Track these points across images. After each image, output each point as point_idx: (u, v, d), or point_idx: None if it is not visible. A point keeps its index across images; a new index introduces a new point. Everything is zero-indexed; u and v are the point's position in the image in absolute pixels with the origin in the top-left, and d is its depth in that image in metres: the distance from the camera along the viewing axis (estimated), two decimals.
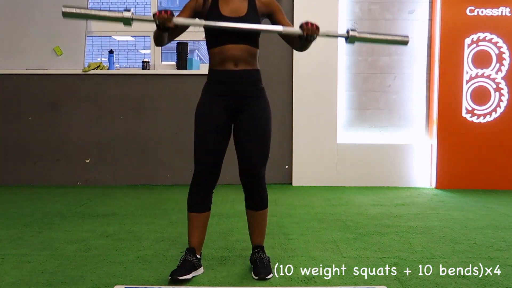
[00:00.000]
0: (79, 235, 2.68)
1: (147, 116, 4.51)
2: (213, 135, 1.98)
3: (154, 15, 1.79)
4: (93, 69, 4.49)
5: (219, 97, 1.99)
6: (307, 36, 1.88)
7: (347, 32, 1.92)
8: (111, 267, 2.11)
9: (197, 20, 1.87)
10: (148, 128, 4.52)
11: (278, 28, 1.96)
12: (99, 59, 11.17)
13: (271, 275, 1.99)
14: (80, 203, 3.62)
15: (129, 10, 1.78)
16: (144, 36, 4.98)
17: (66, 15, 1.77)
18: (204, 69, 4.46)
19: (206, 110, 2.00)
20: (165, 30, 1.83)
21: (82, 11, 1.79)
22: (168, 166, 4.51)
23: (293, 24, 4.33)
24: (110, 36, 5.33)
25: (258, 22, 1.98)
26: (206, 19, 1.94)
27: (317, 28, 1.89)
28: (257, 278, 1.96)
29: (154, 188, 4.33)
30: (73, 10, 1.77)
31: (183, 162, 4.42)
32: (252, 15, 1.96)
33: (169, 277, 1.93)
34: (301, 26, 1.88)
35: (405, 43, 1.98)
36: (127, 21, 1.78)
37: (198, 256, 2.04)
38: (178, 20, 1.84)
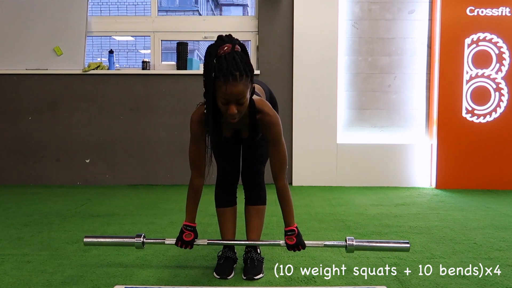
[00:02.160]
0: (79, 235, 2.68)
1: (147, 116, 4.51)
2: (230, 142, 2.02)
3: (176, 245, 1.92)
4: (93, 69, 4.49)
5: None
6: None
7: (345, 240, 1.94)
8: (111, 267, 2.11)
9: (205, 240, 1.98)
10: (148, 128, 4.52)
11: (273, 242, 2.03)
12: (99, 59, 11.17)
13: (260, 275, 1.98)
14: (80, 203, 3.62)
15: (140, 236, 1.96)
16: (144, 36, 4.98)
17: (87, 244, 2.03)
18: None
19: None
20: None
21: (101, 240, 2.06)
22: (168, 166, 4.51)
23: (292, 25, 4.34)
24: (110, 36, 5.31)
25: (259, 142, 1.99)
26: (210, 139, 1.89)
27: (303, 247, 1.92)
28: (245, 278, 1.96)
29: (154, 188, 4.33)
30: (94, 240, 2.04)
31: (183, 162, 4.42)
32: (253, 137, 1.94)
33: (217, 277, 1.98)
34: (287, 248, 1.92)
35: (406, 249, 1.96)
36: (139, 246, 1.97)
37: (235, 251, 2.13)
38: (199, 242, 1.95)
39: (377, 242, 2.03)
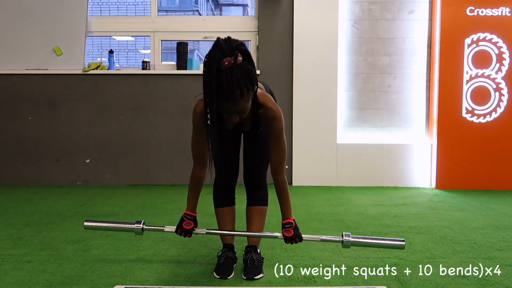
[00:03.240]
0: (79, 235, 2.68)
1: (147, 116, 4.51)
2: (228, 141, 2.02)
3: (176, 232, 1.94)
4: (93, 69, 4.49)
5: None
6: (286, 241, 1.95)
7: (342, 236, 1.97)
8: (111, 267, 2.11)
9: (204, 229, 1.99)
10: (148, 128, 4.52)
11: (270, 234, 2.01)
12: (99, 59, 11.17)
13: (260, 275, 1.99)
14: (80, 203, 3.62)
15: (140, 222, 2.01)
16: (144, 36, 4.98)
17: (87, 227, 2.07)
18: None
19: (216, 135, 2.02)
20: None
21: (101, 224, 2.09)
22: (168, 166, 4.51)
23: (292, 25, 4.34)
24: (110, 36, 5.32)
25: (261, 143, 1.99)
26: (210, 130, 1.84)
27: (300, 240, 1.93)
28: (245, 278, 1.97)
29: (154, 188, 4.33)
30: (94, 225, 2.07)
31: (183, 162, 4.42)
32: (255, 131, 1.95)
33: (217, 277, 1.98)
34: (284, 240, 1.93)
35: (401, 247, 1.99)
36: (139, 232, 2.01)
37: (235, 251, 2.13)
38: (199, 230, 1.97)
39: (373, 239, 2.05)
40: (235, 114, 1.69)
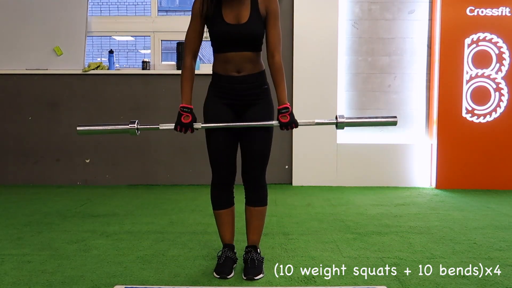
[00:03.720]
0: (79, 235, 2.68)
1: (147, 116, 4.51)
2: (224, 139, 2.02)
3: (175, 129, 1.95)
4: (93, 69, 4.49)
5: (223, 98, 2.02)
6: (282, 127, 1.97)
7: (336, 118, 1.99)
8: (111, 267, 2.11)
9: (200, 124, 1.97)
10: None
11: (266, 123, 1.98)
12: (99, 59, 11.17)
13: (260, 275, 1.99)
14: (80, 203, 3.62)
15: (134, 122, 1.95)
16: (144, 36, 4.98)
17: (80, 132, 1.97)
18: (204, 69, 4.47)
19: (213, 113, 2.03)
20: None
21: (94, 128, 2.00)
22: (168, 166, 4.51)
23: (292, 25, 4.33)
24: (110, 36, 5.32)
25: (261, 28, 1.97)
26: (210, 24, 1.97)
27: (295, 126, 1.97)
28: (245, 278, 1.97)
29: (154, 188, 4.33)
30: (87, 128, 1.98)
31: (183, 162, 4.42)
32: (254, 21, 1.95)
33: (217, 276, 1.99)
34: (280, 126, 1.95)
35: (393, 123, 2.01)
36: (133, 132, 1.96)
37: (235, 251, 2.13)
38: (196, 125, 1.96)
39: (366, 118, 2.05)
40: None
